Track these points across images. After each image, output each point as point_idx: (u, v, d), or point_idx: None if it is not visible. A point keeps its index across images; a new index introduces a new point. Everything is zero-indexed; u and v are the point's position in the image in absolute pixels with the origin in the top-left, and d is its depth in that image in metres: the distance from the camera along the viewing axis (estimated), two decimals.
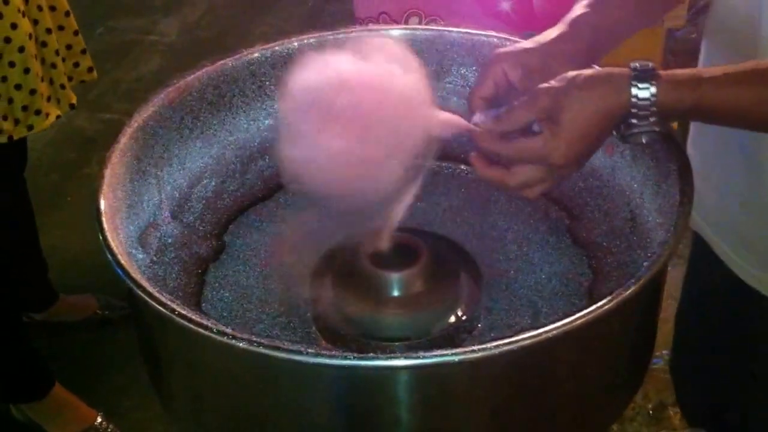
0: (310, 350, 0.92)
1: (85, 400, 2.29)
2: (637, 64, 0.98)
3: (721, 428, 1.50)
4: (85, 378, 2.40)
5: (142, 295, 0.99)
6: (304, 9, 4.02)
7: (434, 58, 1.36)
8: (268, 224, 1.34)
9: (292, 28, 3.05)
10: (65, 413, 2.26)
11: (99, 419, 2.27)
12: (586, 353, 1.02)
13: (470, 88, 1.15)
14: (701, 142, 1.28)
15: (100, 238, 1.06)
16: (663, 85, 0.97)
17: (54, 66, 2.02)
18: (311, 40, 1.37)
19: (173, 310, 0.96)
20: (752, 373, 1.35)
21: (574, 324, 0.93)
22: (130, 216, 1.17)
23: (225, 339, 0.93)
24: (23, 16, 1.89)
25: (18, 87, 1.92)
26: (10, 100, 1.92)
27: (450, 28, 1.39)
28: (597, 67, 1.04)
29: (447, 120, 1.07)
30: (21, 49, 1.89)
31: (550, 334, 0.92)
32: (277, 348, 0.92)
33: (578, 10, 1.13)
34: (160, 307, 0.97)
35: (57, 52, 2.02)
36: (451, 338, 1.14)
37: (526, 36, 1.17)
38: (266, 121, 1.38)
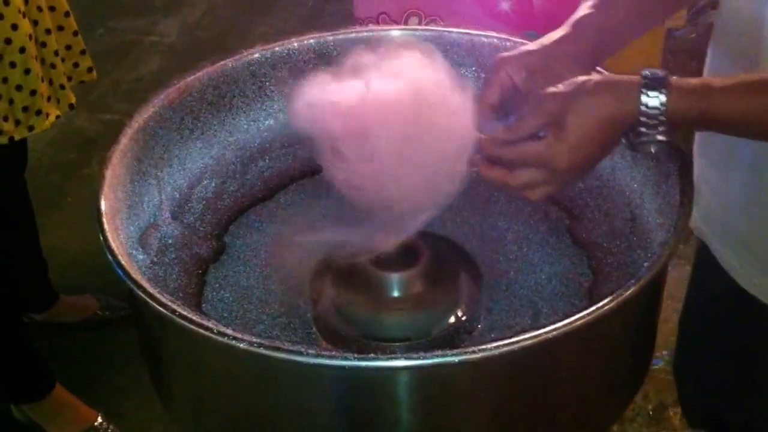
0: (310, 351, 0.92)
1: (85, 401, 2.28)
2: (648, 72, 0.96)
3: (722, 430, 1.50)
4: (85, 378, 2.40)
5: (143, 295, 0.99)
6: (304, 9, 4.02)
7: None
8: (268, 225, 1.34)
9: (292, 29, 3.03)
10: (65, 413, 2.26)
11: (99, 419, 2.26)
12: (587, 354, 1.02)
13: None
14: (707, 150, 1.27)
15: (101, 238, 1.06)
16: (673, 93, 0.95)
17: (53, 66, 2.01)
18: (311, 41, 1.37)
19: (174, 311, 0.96)
20: (753, 382, 1.35)
21: (574, 325, 0.93)
22: (130, 216, 1.17)
23: (225, 340, 0.93)
24: (23, 16, 1.89)
25: (19, 88, 1.91)
26: (11, 101, 1.91)
27: (450, 29, 1.39)
28: (606, 73, 1.03)
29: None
30: (22, 50, 1.88)
31: (550, 335, 0.92)
32: (278, 349, 0.92)
33: (582, 11, 1.11)
34: (161, 308, 0.97)
35: (56, 53, 2.02)
36: (452, 339, 1.14)
37: (526, 36, 1.16)
38: (266, 122, 1.38)
